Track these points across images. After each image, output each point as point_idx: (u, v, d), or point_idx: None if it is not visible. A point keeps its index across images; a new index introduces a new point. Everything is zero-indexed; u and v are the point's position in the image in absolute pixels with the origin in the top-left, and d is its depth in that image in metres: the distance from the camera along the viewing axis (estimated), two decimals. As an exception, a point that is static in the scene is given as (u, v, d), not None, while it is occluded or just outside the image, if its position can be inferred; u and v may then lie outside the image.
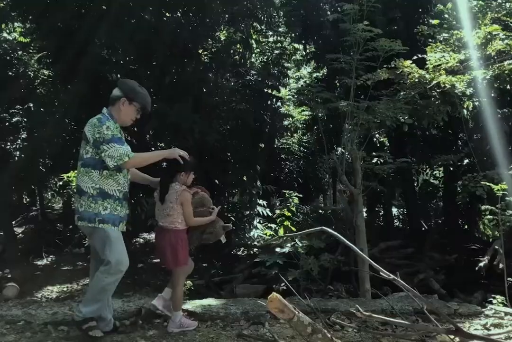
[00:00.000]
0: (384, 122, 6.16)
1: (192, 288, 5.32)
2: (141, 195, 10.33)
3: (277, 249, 6.81)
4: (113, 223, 3.51)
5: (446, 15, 10.27)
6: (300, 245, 6.84)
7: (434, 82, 6.18)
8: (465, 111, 7.35)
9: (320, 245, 6.25)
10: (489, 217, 5.33)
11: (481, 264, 8.25)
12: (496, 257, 8.49)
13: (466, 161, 10.13)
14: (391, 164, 5.67)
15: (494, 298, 4.68)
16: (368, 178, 6.64)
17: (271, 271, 6.55)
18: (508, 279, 5.20)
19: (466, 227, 12.80)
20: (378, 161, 6.65)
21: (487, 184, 5.25)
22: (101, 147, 3.42)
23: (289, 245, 6.72)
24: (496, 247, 8.66)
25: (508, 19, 7.50)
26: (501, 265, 8.26)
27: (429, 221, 13.81)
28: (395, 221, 14.45)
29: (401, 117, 6.12)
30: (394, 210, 14.70)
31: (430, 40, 9.15)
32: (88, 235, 3.68)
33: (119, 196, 3.56)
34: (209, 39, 9.88)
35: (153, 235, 13.19)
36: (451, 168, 10.57)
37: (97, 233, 3.51)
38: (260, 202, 10.53)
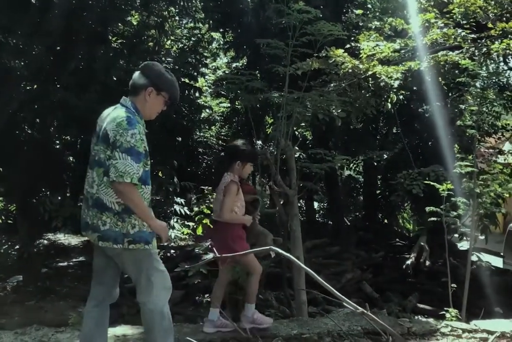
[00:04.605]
0: (316, 116, 5.68)
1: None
2: (44, 192, 9.40)
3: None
4: (145, 241, 2.86)
5: (369, 5, 10.06)
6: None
7: (370, 72, 5.76)
8: (389, 104, 7.10)
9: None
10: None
11: (408, 262, 8.12)
12: (422, 254, 8.39)
13: (385, 156, 10.04)
14: (330, 162, 5.20)
15: (447, 311, 4.29)
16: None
17: (193, 280, 5.90)
18: (452, 285, 4.85)
19: (385, 221, 12.85)
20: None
21: (432, 183, 4.92)
22: (113, 153, 2.75)
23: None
24: (422, 243, 8.57)
25: (435, 10, 7.28)
26: (427, 262, 8.17)
27: (349, 215, 13.73)
28: (317, 215, 14.27)
29: (334, 111, 5.66)
30: (315, 204, 14.51)
31: (354, 30, 8.85)
32: (113, 257, 2.96)
33: None
34: (119, 24, 9.08)
35: (58, 236, 12.29)
36: (375, 163, 10.42)
37: (128, 255, 2.87)
38: (178, 200, 9.87)
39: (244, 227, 3.80)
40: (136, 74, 3.00)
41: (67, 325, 4.03)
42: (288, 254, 2.47)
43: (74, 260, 10.17)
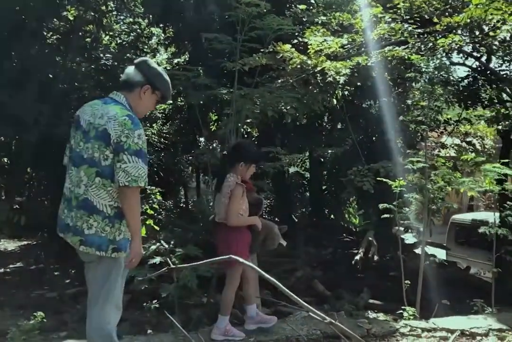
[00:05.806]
0: (265, 112, 5.55)
1: (45, 320, 4.28)
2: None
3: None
4: (125, 248, 2.72)
5: (312, 0, 9.98)
6: (166, 246, 6.09)
7: (319, 68, 5.67)
8: (335, 100, 7.06)
9: (197, 252, 5.47)
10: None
11: (357, 257, 8.11)
12: (370, 249, 8.42)
13: (330, 151, 10.03)
14: (282, 161, 5.06)
15: (404, 310, 4.24)
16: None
17: (140, 286, 5.64)
18: (406, 281, 4.82)
19: (332, 216, 12.89)
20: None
21: (384, 180, 4.87)
22: (120, 156, 2.54)
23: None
24: (370, 238, 8.60)
25: (378, 5, 7.28)
26: (376, 257, 8.21)
27: (296, 212, 13.70)
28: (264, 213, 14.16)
29: (283, 107, 5.54)
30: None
31: (299, 25, 8.80)
32: (89, 262, 2.77)
33: None
34: (55, 19, 8.69)
35: (-3, 240, 11.70)
36: (322, 159, 10.39)
37: (106, 263, 2.70)
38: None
39: (250, 229, 3.70)
40: (131, 70, 2.84)
41: (5, 339, 3.75)
42: (249, 263, 2.30)
43: (11, 266, 9.67)
